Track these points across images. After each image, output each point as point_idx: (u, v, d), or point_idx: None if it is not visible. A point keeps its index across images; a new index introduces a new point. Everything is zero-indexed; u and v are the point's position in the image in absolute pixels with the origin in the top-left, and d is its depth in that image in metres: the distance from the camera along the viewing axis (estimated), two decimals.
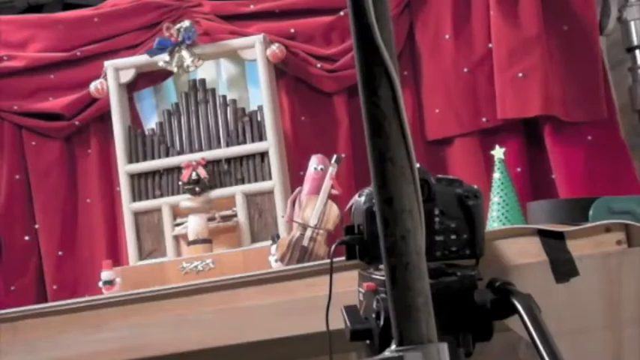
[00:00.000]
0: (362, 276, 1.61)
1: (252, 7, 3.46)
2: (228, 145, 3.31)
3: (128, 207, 3.33)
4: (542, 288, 2.10)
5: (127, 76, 3.39)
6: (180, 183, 3.28)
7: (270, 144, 3.26)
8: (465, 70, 3.31)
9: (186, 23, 3.36)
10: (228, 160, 3.31)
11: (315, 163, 3.12)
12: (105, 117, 3.45)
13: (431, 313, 1.07)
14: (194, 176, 3.25)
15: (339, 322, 1.55)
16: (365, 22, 1.07)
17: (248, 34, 3.38)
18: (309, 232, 3.02)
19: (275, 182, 3.25)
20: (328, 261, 1.78)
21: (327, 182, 3.06)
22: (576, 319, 2.30)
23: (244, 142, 3.30)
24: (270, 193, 3.26)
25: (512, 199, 2.72)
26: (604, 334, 2.34)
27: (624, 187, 3.15)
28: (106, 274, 3.11)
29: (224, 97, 3.37)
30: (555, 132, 3.22)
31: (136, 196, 3.34)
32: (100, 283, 3.11)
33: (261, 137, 3.29)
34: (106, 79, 3.38)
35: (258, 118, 3.31)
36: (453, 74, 3.31)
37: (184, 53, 3.32)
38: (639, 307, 2.34)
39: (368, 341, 1.50)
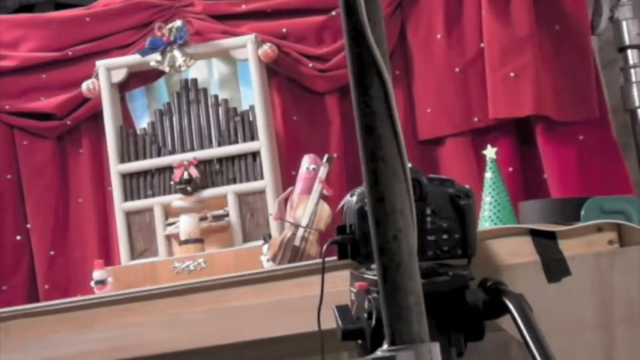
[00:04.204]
0: (354, 276, 1.61)
1: (243, 6, 3.45)
2: (219, 144, 3.31)
3: (120, 207, 3.32)
4: (533, 288, 2.10)
5: (119, 75, 3.39)
6: (172, 183, 3.28)
7: (261, 144, 3.26)
8: (457, 69, 3.31)
9: (178, 23, 3.35)
10: (220, 160, 3.31)
11: (307, 162, 3.11)
12: (97, 117, 3.44)
13: (423, 313, 1.07)
14: (186, 176, 3.25)
15: (330, 321, 1.55)
16: (357, 22, 1.07)
17: (240, 34, 3.38)
18: (300, 232, 3.02)
19: (267, 182, 3.24)
20: (320, 261, 1.78)
21: (318, 183, 3.06)
22: (568, 318, 2.31)
23: (236, 141, 3.30)
24: (261, 192, 3.26)
25: (504, 198, 2.72)
26: (596, 334, 2.35)
27: (616, 186, 3.15)
28: (97, 274, 3.10)
29: (216, 96, 3.36)
30: (547, 132, 3.22)
31: (128, 195, 3.33)
32: (92, 283, 3.10)
33: (253, 137, 3.28)
34: (97, 79, 3.38)
35: (250, 118, 3.31)
36: (445, 74, 3.31)
37: (176, 53, 3.32)
38: (631, 306, 2.34)
39: (360, 341, 1.50)
